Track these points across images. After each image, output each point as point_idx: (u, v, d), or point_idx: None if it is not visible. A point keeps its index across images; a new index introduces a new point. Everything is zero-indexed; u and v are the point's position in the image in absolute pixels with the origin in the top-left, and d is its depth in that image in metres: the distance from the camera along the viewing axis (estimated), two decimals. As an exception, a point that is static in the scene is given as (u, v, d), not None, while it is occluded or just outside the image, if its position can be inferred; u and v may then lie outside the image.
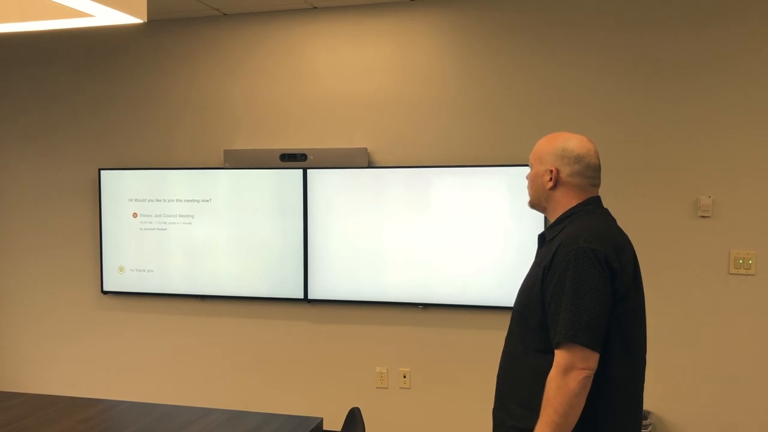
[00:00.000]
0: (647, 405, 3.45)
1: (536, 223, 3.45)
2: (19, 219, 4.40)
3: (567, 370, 1.62)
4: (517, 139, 3.59)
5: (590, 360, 1.63)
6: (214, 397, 4.06)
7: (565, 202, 1.82)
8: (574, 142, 1.83)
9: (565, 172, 1.81)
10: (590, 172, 1.83)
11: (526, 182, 1.93)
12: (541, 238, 1.89)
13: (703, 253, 3.40)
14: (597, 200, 1.85)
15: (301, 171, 3.81)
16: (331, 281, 3.81)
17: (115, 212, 4.11)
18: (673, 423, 3.47)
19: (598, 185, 1.86)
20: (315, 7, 3.84)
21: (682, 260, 3.42)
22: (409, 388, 3.80)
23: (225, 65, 4.01)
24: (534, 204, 1.92)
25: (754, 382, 3.37)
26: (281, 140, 3.94)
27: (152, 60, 4.13)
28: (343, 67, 3.84)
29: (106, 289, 4.16)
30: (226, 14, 3.98)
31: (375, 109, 3.80)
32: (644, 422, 3.33)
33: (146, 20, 1.96)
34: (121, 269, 4.12)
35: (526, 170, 3.29)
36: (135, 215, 4.08)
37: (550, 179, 1.82)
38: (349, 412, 2.23)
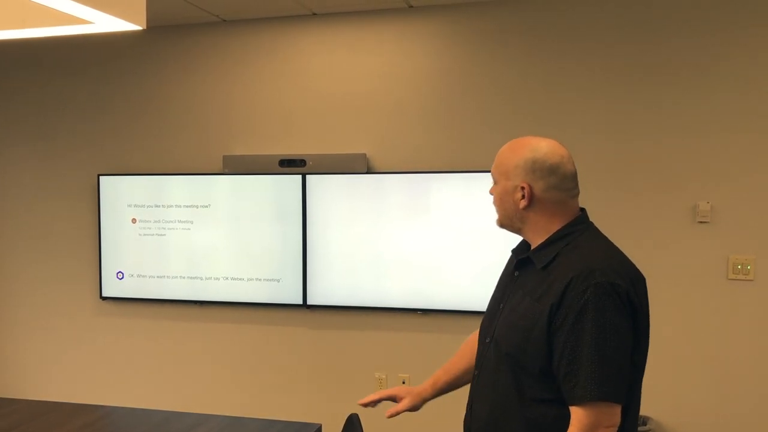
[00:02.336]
0: (647, 410, 3.45)
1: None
2: (18, 224, 4.40)
3: (591, 430, 1.42)
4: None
5: (616, 416, 1.44)
6: (214, 403, 4.05)
7: (545, 221, 1.57)
8: (544, 150, 1.55)
9: (539, 188, 1.54)
10: (568, 182, 1.56)
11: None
12: (523, 261, 1.62)
13: (701, 258, 3.40)
14: (585, 215, 1.62)
15: (300, 177, 3.81)
16: (330, 287, 3.81)
17: (114, 218, 4.11)
18: (672, 428, 3.47)
19: (578, 195, 1.60)
20: (314, 14, 3.85)
21: (681, 266, 3.43)
22: (408, 394, 3.80)
23: (224, 71, 4.02)
24: (505, 224, 1.64)
25: (754, 387, 3.37)
26: (280, 146, 3.95)
27: (151, 66, 4.14)
28: (341, 72, 3.85)
29: (104, 294, 4.15)
30: (225, 20, 3.99)
31: (374, 115, 3.81)
32: (643, 428, 3.33)
33: (146, 27, 1.97)
34: (120, 275, 4.12)
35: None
36: (134, 221, 4.08)
37: (523, 197, 1.55)
38: (347, 419, 2.23)
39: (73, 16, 1.81)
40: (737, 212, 3.35)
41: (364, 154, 3.79)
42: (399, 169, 3.75)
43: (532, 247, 1.62)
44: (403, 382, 3.76)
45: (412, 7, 3.72)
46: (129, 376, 4.23)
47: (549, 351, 1.47)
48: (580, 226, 1.59)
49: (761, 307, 3.34)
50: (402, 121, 3.77)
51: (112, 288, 4.14)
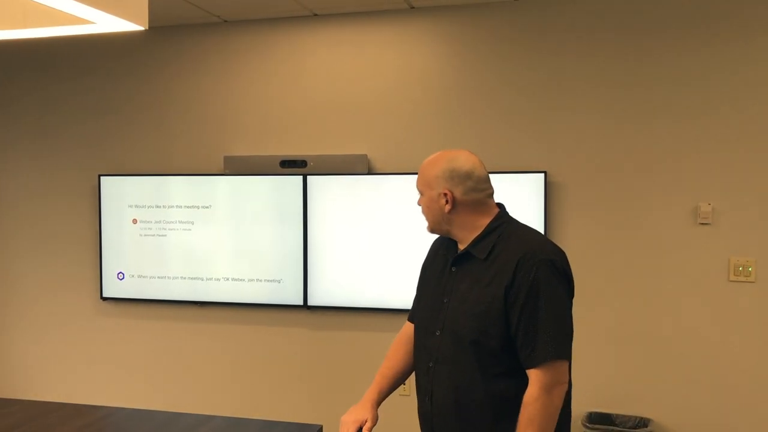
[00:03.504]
0: (648, 412, 3.44)
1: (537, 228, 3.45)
2: (18, 224, 4.40)
3: (551, 387, 1.65)
4: (517, 146, 3.60)
5: (567, 372, 1.70)
6: (214, 404, 4.05)
7: (471, 220, 1.80)
8: (460, 160, 1.80)
9: (458, 192, 1.79)
10: (483, 184, 1.82)
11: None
12: (461, 257, 1.82)
13: (703, 260, 3.40)
14: (505, 210, 1.86)
15: (301, 177, 3.81)
16: (331, 288, 3.81)
17: (114, 218, 4.10)
18: (673, 430, 3.47)
19: (493, 194, 1.86)
20: (315, 14, 3.85)
21: (682, 267, 3.42)
22: (408, 395, 3.79)
23: (225, 72, 4.02)
24: (435, 229, 1.88)
25: (755, 389, 3.37)
26: (281, 147, 3.95)
27: (153, 66, 4.14)
28: (343, 73, 3.85)
29: (105, 295, 4.15)
30: (226, 21, 3.99)
31: (375, 116, 3.81)
32: (645, 429, 3.32)
33: (147, 27, 1.96)
34: (120, 276, 4.12)
35: (529, 177, 3.28)
36: (135, 221, 4.08)
37: (447, 202, 1.79)
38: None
39: (74, 16, 1.81)
40: (738, 214, 3.35)
41: (365, 155, 3.79)
42: (400, 170, 3.75)
43: (461, 245, 1.84)
44: (404, 384, 3.75)
45: (413, 8, 3.72)
46: (129, 376, 4.22)
47: (507, 326, 1.69)
48: (504, 219, 1.83)
49: (762, 309, 3.34)
50: (403, 122, 3.77)
51: (112, 288, 4.13)
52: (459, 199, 1.79)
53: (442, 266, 1.90)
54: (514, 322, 1.68)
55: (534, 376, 1.67)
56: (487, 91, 3.65)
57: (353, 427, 1.89)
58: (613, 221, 3.49)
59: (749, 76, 3.32)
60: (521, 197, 3.49)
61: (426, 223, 1.90)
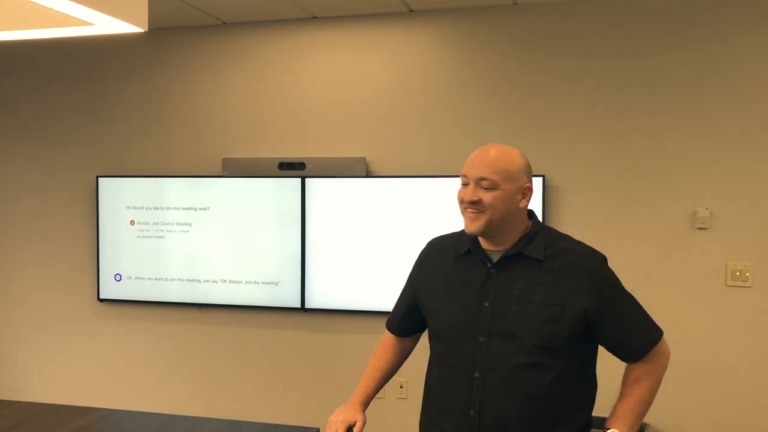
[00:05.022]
0: (645, 417, 3.44)
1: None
2: (16, 225, 4.39)
3: (667, 358, 1.81)
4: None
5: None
6: (212, 406, 4.04)
7: (524, 219, 1.76)
8: (525, 156, 1.79)
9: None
10: None
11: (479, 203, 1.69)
12: (510, 258, 1.71)
13: (700, 264, 3.40)
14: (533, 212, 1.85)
15: (299, 180, 3.81)
16: (329, 290, 3.81)
17: (112, 219, 4.10)
18: (670, 435, 3.47)
19: None
20: (314, 17, 3.86)
21: (680, 272, 3.43)
22: (405, 399, 3.79)
23: (224, 74, 4.02)
24: (490, 228, 1.69)
25: (752, 393, 3.37)
26: (280, 149, 3.95)
27: (151, 68, 4.13)
28: (342, 76, 3.85)
29: (102, 296, 4.14)
30: (225, 23, 3.99)
31: (374, 119, 3.81)
32: (641, 434, 3.33)
33: (147, 29, 1.96)
34: (118, 277, 4.11)
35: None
36: (132, 223, 4.07)
37: (524, 197, 1.72)
38: None
39: (74, 17, 1.81)
40: (736, 219, 3.35)
41: (364, 158, 3.79)
42: (398, 173, 3.75)
43: (498, 246, 1.73)
44: (401, 387, 3.76)
45: (412, 11, 3.72)
46: (126, 378, 4.22)
47: (581, 329, 1.67)
48: (538, 219, 1.82)
49: (759, 314, 3.34)
50: (402, 125, 3.77)
51: (109, 290, 4.13)
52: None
53: (471, 269, 1.76)
54: (609, 322, 1.69)
55: (654, 356, 1.76)
56: (485, 95, 3.66)
57: (342, 427, 1.85)
58: (611, 225, 3.49)
59: (748, 81, 3.32)
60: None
61: (477, 221, 1.69)
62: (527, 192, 1.73)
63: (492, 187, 1.69)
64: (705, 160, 3.39)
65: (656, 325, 1.76)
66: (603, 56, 3.50)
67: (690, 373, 3.43)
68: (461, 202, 1.73)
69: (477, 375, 1.69)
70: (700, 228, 3.39)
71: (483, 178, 1.69)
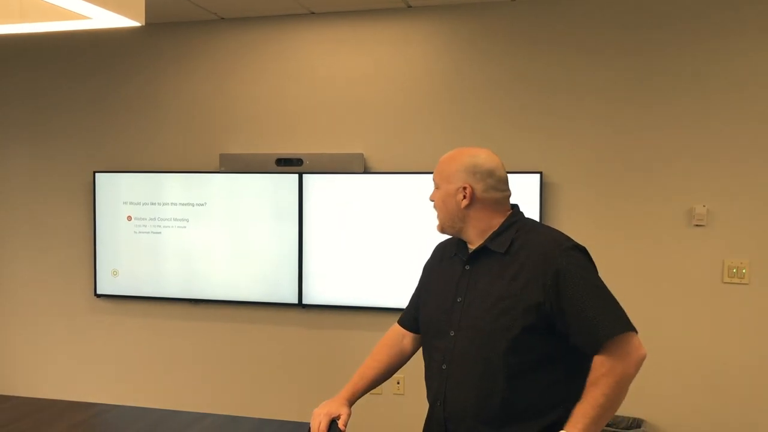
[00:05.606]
0: (641, 412, 3.45)
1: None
2: (13, 221, 4.38)
3: (636, 361, 1.62)
4: (512, 146, 3.60)
5: (640, 344, 1.64)
6: (208, 402, 4.04)
7: (487, 219, 1.77)
8: (482, 157, 1.78)
9: (479, 189, 1.76)
10: (502, 185, 1.81)
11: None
12: (476, 254, 1.77)
13: (697, 262, 3.41)
14: (518, 208, 1.86)
15: (296, 176, 3.81)
16: (326, 287, 3.81)
17: (109, 215, 4.09)
18: (666, 431, 3.48)
19: (510, 196, 1.85)
20: (312, 12, 3.85)
21: (677, 269, 3.43)
22: (402, 395, 3.80)
23: (222, 69, 4.01)
24: (446, 226, 1.83)
25: (748, 390, 3.38)
26: (277, 145, 3.94)
27: (149, 63, 4.12)
28: (339, 72, 3.85)
29: (99, 292, 4.14)
30: (223, 18, 3.98)
31: (371, 115, 3.81)
32: (638, 430, 3.33)
33: (144, 24, 1.96)
34: (115, 273, 4.11)
35: (524, 178, 3.27)
36: (129, 218, 4.07)
37: (464, 197, 1.76)
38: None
39: (71, 11, 1.80)
40: (733, 216, 3.36)
41: (362, 154, 3.79)
42: (396, 169, 3.75)
43: (472, 245, 1.80)
44: (398, 383, 3.76)
45: (410, 7, 3.72)
46: (123, 374, 4.21)
47: (538, 319, 1.64)
48: (520, 215, 1.82)
49: (756, 311, 3.35)
50: (400, 121, 3.77)
51: (106, 286, 4.12)
52: (478, 196, 1.76)
53: (453, 267, 1.84)
54: (562, 312, 1.62)
55: (605, 355, 1.60)
56: (483, 91, 3.65)
57: (325, 420, 1.85)
58: (608, 222, 3.49)
59: (745, 79, 3.33)
60: (516, 198, 3.47)
61: (437, 222, 1.85)
62: (463, 192, 1.76)
63: (435, 187, 1.85)
64: (702, 157, 3.39)
65: (623, 322, 1.62)
66: (600, 53, 3.49)
67: (686, 370, 3.43)
68: None
69: (444, 367, 1.76)
70: (697, 225, 3.40)
71: (434, 179, 1.85)
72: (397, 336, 2.05)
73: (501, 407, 1.67)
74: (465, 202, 1.76)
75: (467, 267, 1.79)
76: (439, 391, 1.77)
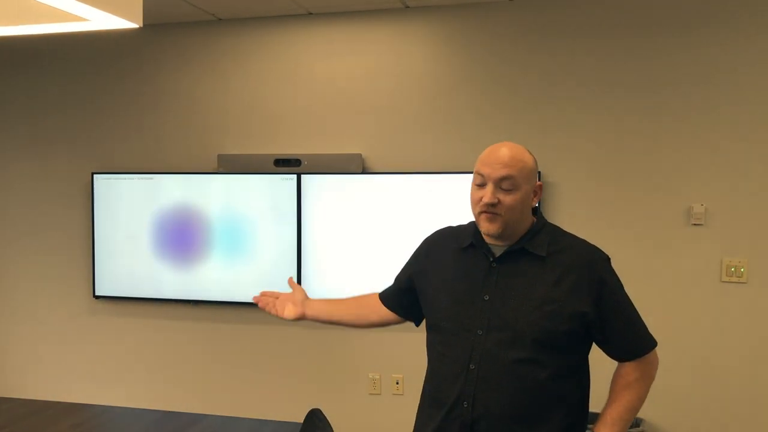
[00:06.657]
0: (640, 412, 3.45)
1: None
2: (11, 223, 4.38)
3: (656, 369, 1.79)
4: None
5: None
6: (207, 403, 4.03)
7: (528, 218, 1.73)
8: None
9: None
10: None
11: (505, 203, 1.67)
12: (513, 253, 1.71)
13: (695, 261, 3.41)
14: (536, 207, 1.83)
15: (295, 176, 3.81)
16: (325, 287, 3.80)
17: (107, 216, 4.09)
18: (665, 430, 3.48)
19: None
20: (310, 13, 3.85)
21: (675, 268, 3.44)
22: (402, 395, 3.80)
23: (220, 70, 4.01)
24: (510, 229, 1.69)
25: (747, 389, 3.38)
26: (275, 145, 3.94)
27: (147, 64, 4.12)
28: (337, 72, 3.85)
29: (98, 293, 4.13)
30: (221, 19, 3.98)
31: (370, 115, 3.81)
32: (636, 429, 3.33)
33: (142, 25, 1.95)
34: (114, 274, 4.10)
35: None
36: (128, 219, 4.06)
37: (535, 196, 1.72)
38: (308, 413, 2.16)
39: (68, 13, 1.80)
40: (731, 215, 3.36)
41: (360, 155, 3.79)
42: (394, 169, 3.75)
43: (501, 241, 1.72)
44: (397, 383, 3.76)
45: (408, 7, 3.72)
46: (122, 375, 4.21)
47: (582, 326, 1.66)
48: (542, 215, 1.79)
49: (754, 310, 3.35)
50: (398, 121, 3.77)
51: (105, 287, 4.12)
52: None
53: (473, 261, 1.76)
54: (605, 321, 1.68)
55: (642, 364, 1.74)
56: (481, 91, 3.66)
57: (277, 299, 1.98)
58: (607, 222, 3.50)
59: (744, 78, 3.33)
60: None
61: (494, 224, 1.68)
62: (538, 190, 1.73)
63: (512, 187, 1.66)
64: (700, 157, 3.39)
65: (651, 338, 1.78)
66: (599, 53, 3.50)
67: (685, 369, 3.44)
68: (478, 203, 1.69)
69: (472, 367, 1.68)
70: (695, 224, 3.40)
71: (504, 178, 1.66)
72: (376, 304, 2.06)
73: (537, 407, 1.67)
74: (535, 201, 1.71)
75: (494, 264, 1.72)
76: (464, 392, 1.69)
